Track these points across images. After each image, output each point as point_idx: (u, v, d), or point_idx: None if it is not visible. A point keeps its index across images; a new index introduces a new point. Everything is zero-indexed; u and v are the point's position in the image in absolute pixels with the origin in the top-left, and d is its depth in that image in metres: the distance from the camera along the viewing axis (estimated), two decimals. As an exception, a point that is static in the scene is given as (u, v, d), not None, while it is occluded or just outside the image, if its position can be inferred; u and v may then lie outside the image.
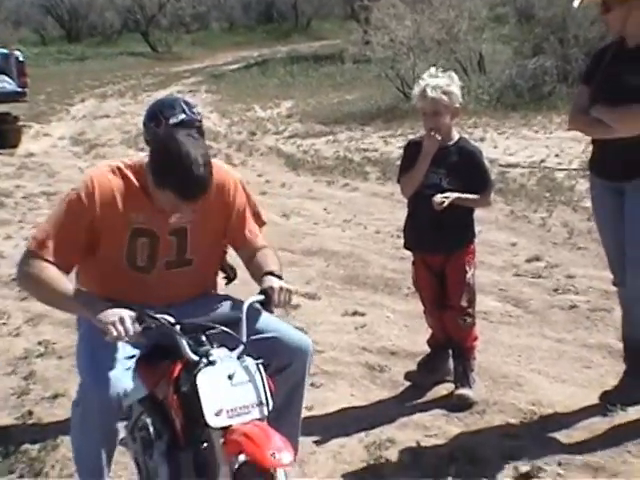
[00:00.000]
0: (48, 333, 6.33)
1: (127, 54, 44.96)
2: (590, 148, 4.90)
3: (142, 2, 50.14)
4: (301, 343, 3.75)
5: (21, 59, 16.18)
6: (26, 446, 4.61)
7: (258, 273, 3.74)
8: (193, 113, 4.45)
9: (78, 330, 3.83)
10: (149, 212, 3.63)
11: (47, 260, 3.51)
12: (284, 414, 3.47)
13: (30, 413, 5.06)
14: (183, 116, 4.24)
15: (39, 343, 6.14)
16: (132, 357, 3.53)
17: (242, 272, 4.15)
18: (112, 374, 3.37)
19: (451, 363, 5.22)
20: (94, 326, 3.37)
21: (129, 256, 3.67)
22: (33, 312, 6.79)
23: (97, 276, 3.74)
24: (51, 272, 3.48)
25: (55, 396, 5.21)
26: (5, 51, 16.65)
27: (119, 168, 3.67)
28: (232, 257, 4.50)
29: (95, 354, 3.48)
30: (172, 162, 3.38)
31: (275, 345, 3.63)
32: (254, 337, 3.46)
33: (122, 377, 3.41)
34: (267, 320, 3.70)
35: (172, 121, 4.33)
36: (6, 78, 15.78)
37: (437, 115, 4.84)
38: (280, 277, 3.65)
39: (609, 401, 4.79)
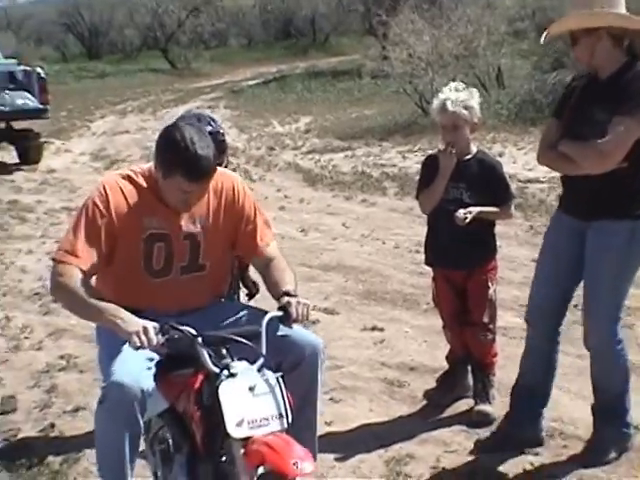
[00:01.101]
0: (70, 347, 6.37)
1: (147, 71, 45.18)
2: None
3: (162, 19, 50.46)
4: (311, 341, 3.79)
5: (42, 76, 16.27)
6: (49, 459, 4.65)
7: (275, 290, 3.80)
8: (218, 127, 4.51)
9: (97, 340, 3.88)
10: (162, 216, 3.74)
11: (74, 267, 3.58)
12: (299, 418, 3.49)
13: (52, 426, 5.10)
14: (209, 128, 4.26)
15: (61, 357, 6.18)
16: (152, 359, 3.56)
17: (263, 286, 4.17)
18: (133, 371, 3.41)
19: (470, 379, 5.21)
20: (113, 335, 3.45)
21: (146, 261, 3.75)
22: (55, 326, 6.85)
23: (112, 281, 3.80)
24: (79, 282, 3.55)
25: (77, 409, 5.26)
26: (27, 68, 16.77)
27: (129, 175, 3.80)
28: (254, 272, 4.53)
29: (116, 356, 3.52)
30: (176, 145, 3.54)
31: (285, 343, 3.66)
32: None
33: (143, 375, 3.45)
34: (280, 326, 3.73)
35: None
36: (28, 95, 15.87)
37: (456, 129, 4.86)
38: (295, 296, 3.70)
39: (483, 450, 4.68)
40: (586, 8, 4.27)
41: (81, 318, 3.84)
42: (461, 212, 4.74)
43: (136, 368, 3.44)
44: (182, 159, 3.52)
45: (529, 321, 4.77)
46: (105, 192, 3.70)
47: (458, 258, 4.97)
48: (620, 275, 4.36)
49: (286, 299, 3.63)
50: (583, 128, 4.25)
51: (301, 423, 3.56)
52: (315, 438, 3.93)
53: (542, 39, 4.69)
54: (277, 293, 3.75)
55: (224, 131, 4.66)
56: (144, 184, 3.77)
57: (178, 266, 3.80)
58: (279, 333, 3.64)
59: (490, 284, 5.02)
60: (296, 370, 3.68)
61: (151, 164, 3.81)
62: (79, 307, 3.62)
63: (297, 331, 3.73)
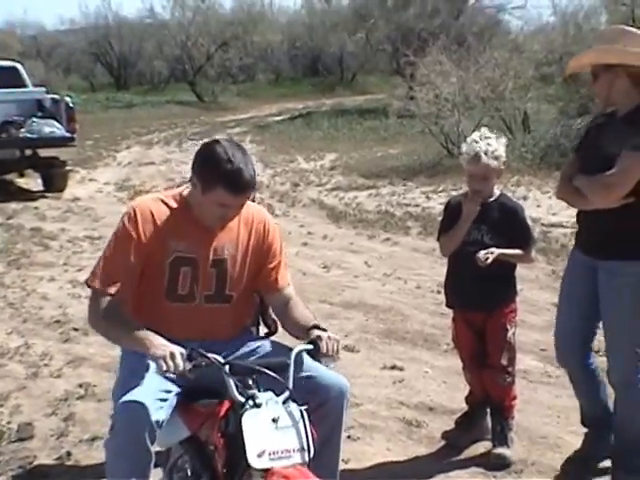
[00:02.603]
0: (89, 376, 6.38)
1: (174, 103, 45.48)
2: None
3: (190, 52, 50.86)
4: (337, 382, 3.77)
5: (70, 105, 16.40)
6: (64, 487, 4.65)
7: (300, 326, 3.79)
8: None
9: (119, 367, 3.87)
10: (191, 239, 3.74)
11: (108, 294, 3.61)
12: (322, 457, 3.47)
13: (69, 454, 5.10)
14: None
15: (79, 385, 6.18)
16: (169, 391, 3.56)
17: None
18: (145, 401, 3.40)
19: (489, 421, 5.19)
20: (134, 360, 3.51)
21: (170, 285, 3.75)
22: (74, 354, 6.86)
23: (135, 306, 3.78)
24: (114, 309, 3.59)
25: (94, 439, 5.25)
26: (55, 97, 16.94)
27: (160, 198, 3.83)
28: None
29: (129, 384, 3.51)
30: (219, 158, 3.57)
31: (311, 383, 3.66)
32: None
33: (155, 406, 3.43)
34: (306, 362, 3.71)
35: None
36: (55, 123, 16.02)
37: (486, 180, 4.88)
38: (325, 330, 3.69)
39: (572, 470, 4.75)
40: (608, 44, 4.34)
41: (119, 345, 3.84)
42: (482, 253, 4.75)
43: (148, 398, 3.43)
44: (225, 171, 3.55)
45: (559, 362, 4.93)
46: (134, 213, 3.72)
47: (478, 300, 4.96)
48: (635, 314, 4.38)
49: (317, 333, 3.63)
50: (595, 163, 4.31)
51: (323, 463, 3.54)
52: (337, 477, 3.89)
53: (566, 72, 4.73)
54: (304, 327, 3.75)
55: (254, 164, 4.66)
56: (175, 206, 3.79)
57: (203, 294, 3.80)
58: (305, 374, 3.64)
59: (509, 327, 5.00)
60: (321, 410, 3.66)
61: (182, 188, 3.83)
62: (116, 334, 3.65)
63: (324, 372, 3.74)
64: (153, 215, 3.74)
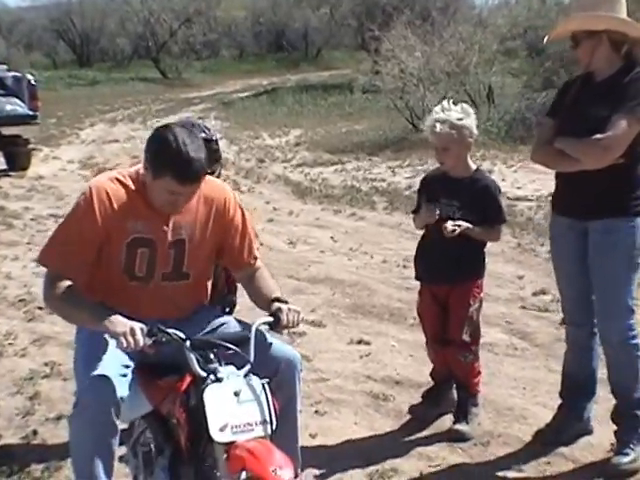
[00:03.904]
0: (54, 354, 6.32)
1: (138, 80, 45.19)
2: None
3: (153, 29, 50.54)
4: (287, 354, 3.77)
5: (33, 82, 16.24)
6: (30, 466, 4.61)
7: (263, 298, 3.79)
8: (212, 135, 4.50)
9: (75, 343, 3.84)
10: (149, 220, 3.68)
11: (63, 273, 3.56)
12: (280, 430, 3.46)
13: (35, 433, 5.06)
14: (203, 135, 4.22)
15: (45, 364, 6.13)
16: (127, 366, 3.55)
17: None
18: (108, 376, 3.39)
19: (454, 395, 5.20)
20: (91, 337, 3.49)
21: (127, 265, 3.70)
22: (39, 333, 6.81)
23: (93, 285, 3.73)
24: (69, 287, 3.54)
25: (59, 417, 5.20)
26: (17, 74, 16.73)
27: (117, 178, 3.74)
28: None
29: (91, 360, 3.50)
30: (168, 146, 3.48)
31: (262, 356, 3.61)
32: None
33: (118, 382, 3.42)
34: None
35: None
36: (18, 101, 15.84)
37: (446, 150, 4.87)
38: (286, 302, 3.69)
39: (543, 441, 4.80)
40: (590, 11, 4.40)
41: (74, 323, 3.80)
42: (450, 223, 4.74)
43: (112, 374, 3.42)
44: (173, 160, 3.47)
45: (566, 322, 4.91)
46: (91, 195, 3.65)
47: (443, 272, 4.96)
48: (630, 268, 4.46)
49: (277, 305, 3.63)
50: (578, 126, 4.36)
51: (282, 435, 3.54)
52: (297, 449, 3.89)
53: (545, 40, 4.81)
54: (266, 300, 3.74)
55: (218, 139, 4.64)
56: (132, 187, 3.71)
57: (160, 273, 3.76)
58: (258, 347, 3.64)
59: (472, 302, 4.96)
60: (273, 383, 3.61)
61: (139, 166, 3.75)
62: (70, 313, 3.60)
63: (275, 345, 3.73)
64: (110, 196, 3.66)
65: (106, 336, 3.44)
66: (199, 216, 3.80)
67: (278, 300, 3.69)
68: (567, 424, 4.84)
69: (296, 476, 3.22)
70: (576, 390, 4.84)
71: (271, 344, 3.71)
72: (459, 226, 4.74)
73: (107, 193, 3.66)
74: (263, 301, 3.78)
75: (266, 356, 3.65)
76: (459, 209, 4.87)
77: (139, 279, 3.74)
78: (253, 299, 3.92)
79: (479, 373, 5.13)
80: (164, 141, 3.52)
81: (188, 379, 3.38)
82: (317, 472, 4.53)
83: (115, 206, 3.65)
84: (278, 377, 3.66)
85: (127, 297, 3.71)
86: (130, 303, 3.66)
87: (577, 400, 4.85)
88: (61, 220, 3.80)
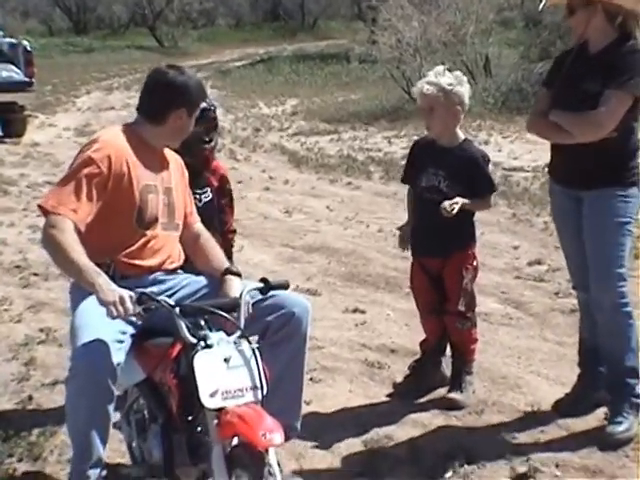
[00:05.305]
0: (49, 320, 6.34)
1: (134, 48, 45.00)
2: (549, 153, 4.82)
3: (150, -4, 50.23)
4: (299, 301, 3.86)
5: (28, 49, 16.18)
6: (25, 431, 4.61)
7: (214, 268, 3.90)
8: (211, 103, 4.51)
9: (71, 308, 3.82)
10: (150, 166, 3.82)
11: (67, 219, 3.52)
12: (286, 380, 3.49)
13: (30, 399, 5.07)
14: (203, 104, 4.21)
15: (40, 330, 6.14)
16: (124, 333, 3.56)
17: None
18: (104, 341, 3.40)
19: (445, 370, 5.20)
20: (86, 301, 3.51)
21: (139, 213, 3.77)
22: (35, 299, 6.82)
23: (98, 234, 3.67)
24: (70, 235, 3.49)
25: (55, 383, 5.22)
26: (13, 41, 16.67)
27: (124, 129, 3.87)
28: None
29: (87, 326, 3.51)
30: (174, 81, 3.78)
31: (275, 301, 3.74)
32: (254, 300, 3.60)
33: (113, 348, 3.43)
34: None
35: None
36: (13, 68, 15.79)
37: (432, 111, 4.82)
38: (239, 274, 3.80)
39: (562, 411, 4.80)
40: None
41: (64, 273, 3.82)
42: (447, 203, 4.68)
43: (107, 340, 3.42)
44: (182, 89, 3.75)
45: (576, 287, 4.88)
46: (99, 145, 3.70)
47: (433, 245, 4.95)
48: (622, 234, 4.45)
49: (229, 277, 3.76)
50: (572, 99, 4.38)
51: (287, 385, 3.55)
52: (301, 400, 3.96)
53: (540, 6, 4.78)
54: (217, 270, 3.86)
55: (215, 108, 4.64)
56: (132, 137, 3.82)
57: (160, 221, 3.84)
58: (268, 296, 3.71)
59: (465, 273, 4.95)
60: (286, 327, 3.74)
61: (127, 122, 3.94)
62: (64, 262, 3.54)
63: (286, 293, 3.81)
64: (120, 148, 3.73)
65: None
66: (173, 173, 3.97)
67: (230, 272, 3.79)
68: (585, 395, 4.83)
69: (287, 439, 3.25)
70: (593, 355, 4.83)
71: (280, 293, 3.78)
72: (457, 203, 4.70)
73: (118, 145, 3.74)
74: (213, 270, 3.90)
75: (282, 299, 3.76)
76: (445, 179, 4.85)
77: (147, 225, 3.79)
78: (199, 264, 4.02)
79: (476, 340, 5.13)
80: (166, 78, 3.79)
81: (178, 346, 3.39)
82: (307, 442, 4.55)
83: (127, 157, 3.74)
84: (293, 320, 3.75)
85: (135, 246, 3.76)
86: (135, 252, 3.74)
87: (595, 366, 4.82)
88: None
